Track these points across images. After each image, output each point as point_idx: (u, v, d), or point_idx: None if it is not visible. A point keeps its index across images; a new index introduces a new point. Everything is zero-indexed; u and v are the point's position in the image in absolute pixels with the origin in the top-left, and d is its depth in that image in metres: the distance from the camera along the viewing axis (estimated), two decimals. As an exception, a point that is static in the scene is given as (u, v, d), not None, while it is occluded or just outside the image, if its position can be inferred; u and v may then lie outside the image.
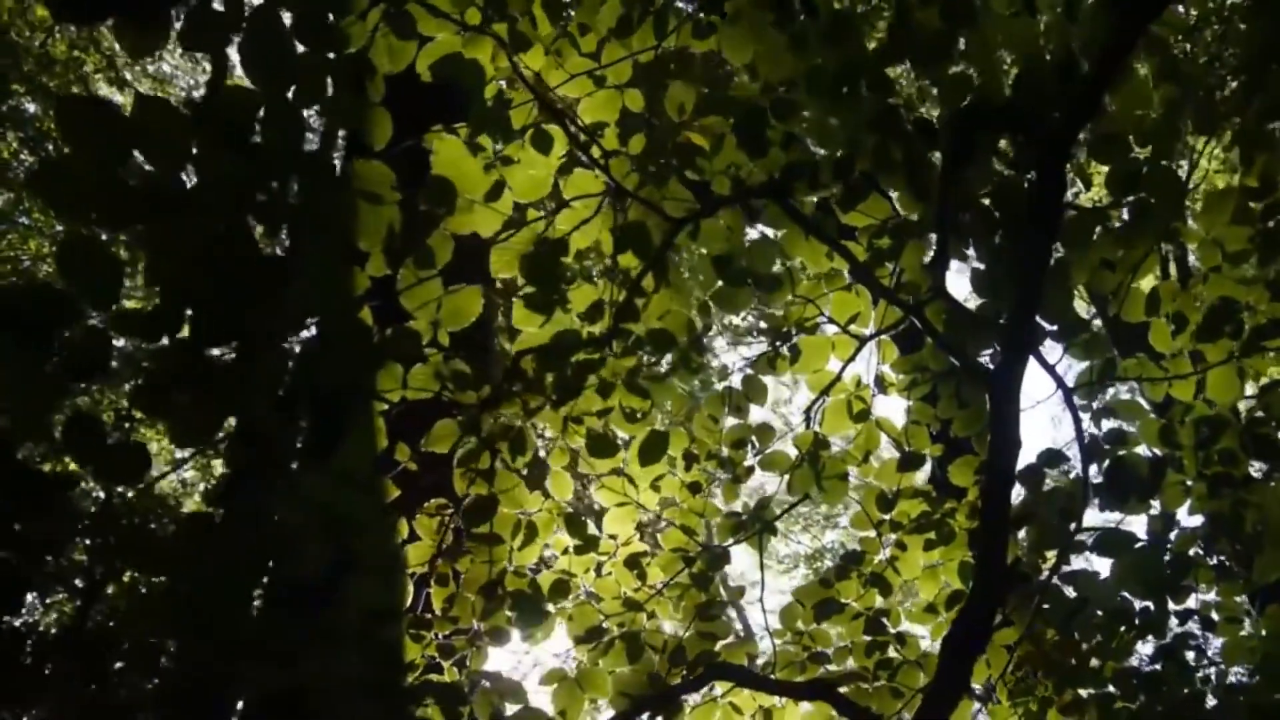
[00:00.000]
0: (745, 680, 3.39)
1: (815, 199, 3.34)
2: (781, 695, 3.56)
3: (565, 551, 3.57)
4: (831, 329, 3.63)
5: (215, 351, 2.54)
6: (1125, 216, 3.42)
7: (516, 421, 3.30)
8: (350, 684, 3.26)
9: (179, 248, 2.35)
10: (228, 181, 2.35)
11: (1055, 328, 3.46)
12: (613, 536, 3.69)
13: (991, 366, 3.10)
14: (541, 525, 3.46)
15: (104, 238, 2.50)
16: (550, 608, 3.45)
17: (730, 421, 3.76)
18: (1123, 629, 3.83)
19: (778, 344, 3.49)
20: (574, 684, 3.48)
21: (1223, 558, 3.99)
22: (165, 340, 2.42)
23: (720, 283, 3.44)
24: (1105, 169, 3.53)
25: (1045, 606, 4.02)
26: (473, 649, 3.37)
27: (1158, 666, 4.25)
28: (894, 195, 3.39)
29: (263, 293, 2.48)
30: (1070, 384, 3.61)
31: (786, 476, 3.69)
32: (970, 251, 3.40)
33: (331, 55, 2.35)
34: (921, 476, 3.90)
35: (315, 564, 3.22)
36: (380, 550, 3.13)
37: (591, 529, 3.56)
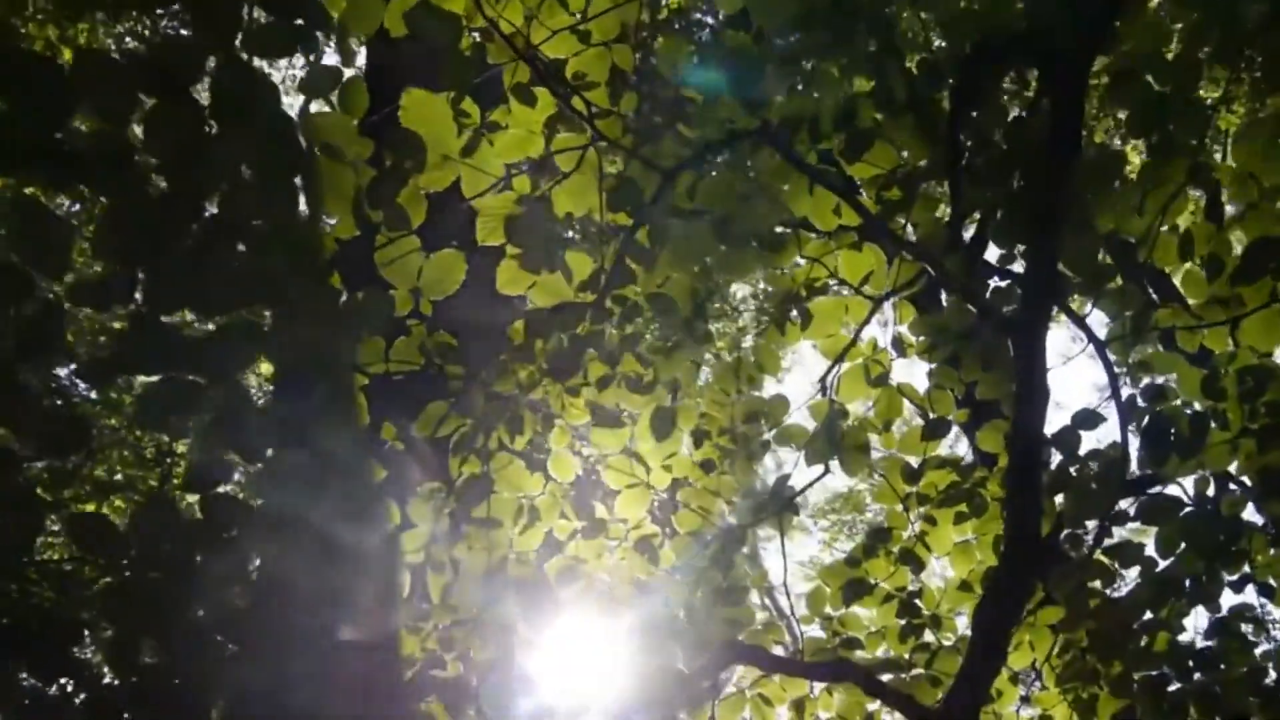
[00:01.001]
0: (760, 661, 3.20)
1: (817, 151, 3.15)
2: (803, 677, 3.35)
3: (572, 536, 3.39)
4: (843, 292, 3.43)
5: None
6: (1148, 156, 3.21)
7: (513, 396, 3.13)
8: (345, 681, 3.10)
9: (125, 208, 2.21)
10: (172, 136, 2.21)
11: (1081, 280, 3.25)
12: (623, 520, 3.50)
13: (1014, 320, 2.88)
14: (544, 508, 3.29)
15: (50, 202, 2.38)
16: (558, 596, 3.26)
17: (743, 395, 3.56)
18: (1171, 599, 3.58)
19: (787, 309, 3.29)
20: (586, 675, 3.29)
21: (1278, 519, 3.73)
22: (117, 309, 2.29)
23: (722, 247, 3.25)
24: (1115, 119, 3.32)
25: (1092, 584, 3.79)
26: (476, 640, 3.20)
27: (1212, 642, 3.98)
28: (901, 146, 3.20)
29: (215, 255, 2.34)
30: (1102, 338, 3.39)
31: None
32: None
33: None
34: (950, 445, 3.68)
35: (301, 555, 3.07)
36: (370, 535, 2.97)
37: (601, 511, 3.38)
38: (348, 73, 2.56)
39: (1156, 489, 3.73)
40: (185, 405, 2.59)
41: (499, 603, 3.19)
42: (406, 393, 3.13)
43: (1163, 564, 3.72)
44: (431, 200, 2.78)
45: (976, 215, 3.26)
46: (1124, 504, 3.75)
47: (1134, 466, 3.65)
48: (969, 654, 2.76)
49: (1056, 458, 3.68)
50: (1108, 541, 3.86)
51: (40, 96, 2.14)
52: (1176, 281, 3.55)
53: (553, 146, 2.97)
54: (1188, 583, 3.80)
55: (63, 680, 2.42)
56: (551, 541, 3.52)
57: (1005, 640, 2.78)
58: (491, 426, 3.10)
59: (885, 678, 3.73)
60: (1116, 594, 3.83)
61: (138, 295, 2.29)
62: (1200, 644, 3.99)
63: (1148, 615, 3.86)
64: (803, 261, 3.36)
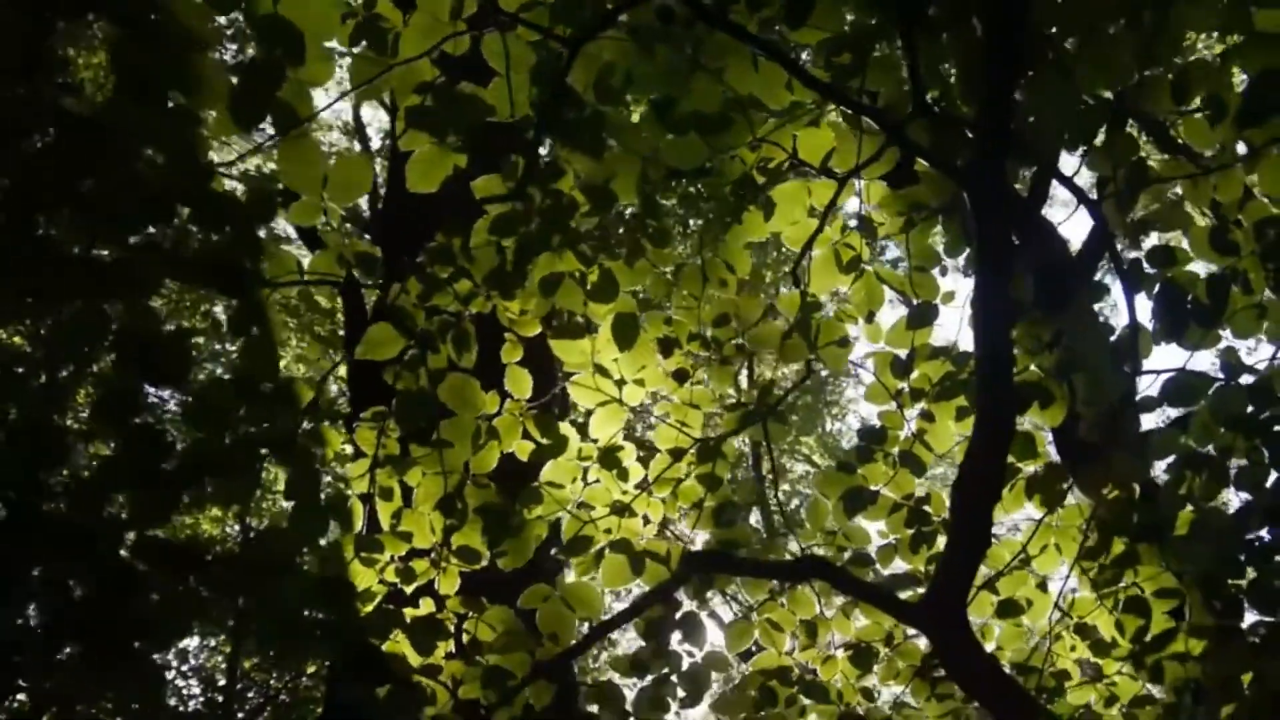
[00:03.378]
0: (721, 566, 2.98)
1: (758, 19, 2.91)
2: (770, 578, 3.13)
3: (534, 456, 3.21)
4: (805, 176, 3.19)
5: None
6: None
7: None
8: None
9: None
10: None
11: (1063, 131, 2.95)
12: (593, 440, 3.31)
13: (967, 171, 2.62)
14: (504, 428, 3.12)
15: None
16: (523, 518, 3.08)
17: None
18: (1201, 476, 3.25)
19: (743, 195, 3.07)
20: (559, 603, 3.12)
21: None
22: None
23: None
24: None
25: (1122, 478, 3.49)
26: (439, 571, 3.05)
27: (1264, 534, 3.64)
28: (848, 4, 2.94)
29: (79, 154, 2.22)
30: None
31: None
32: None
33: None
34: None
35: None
36: (300, 468, 2.84)
37: (566, 430, 3.20)
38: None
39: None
40: (95, 333, 2.49)
41: (461, 531, 3.03)
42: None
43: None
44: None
45: (940, 73, 2.99)
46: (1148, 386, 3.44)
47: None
48: (949, 544, 2.53)
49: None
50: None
51: None
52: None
53: (465, 35, 2.78)
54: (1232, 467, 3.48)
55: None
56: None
57: (985, 526, 2.53)
58: (433, 345, 2.93)
59: (904, 595, 3.50)
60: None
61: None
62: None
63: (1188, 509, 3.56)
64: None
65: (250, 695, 12.54)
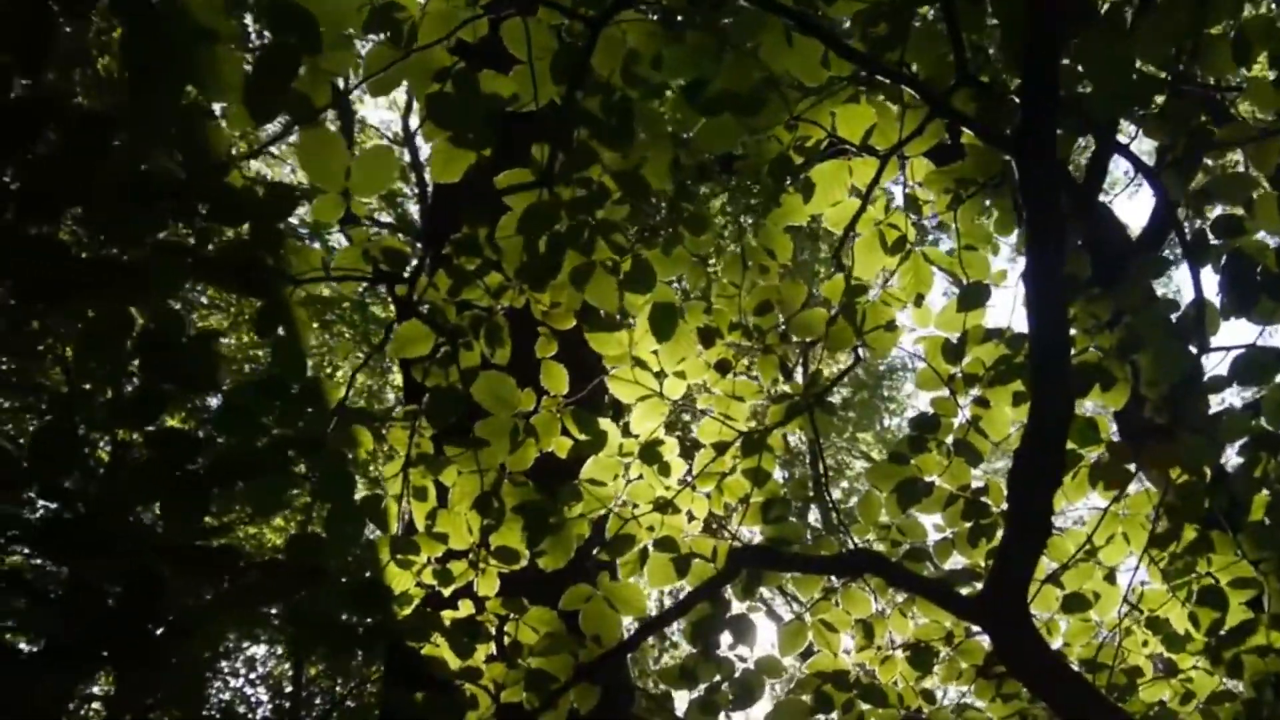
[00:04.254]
0: (768, 561, 2.86)
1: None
2: (821, 573, 3.00)
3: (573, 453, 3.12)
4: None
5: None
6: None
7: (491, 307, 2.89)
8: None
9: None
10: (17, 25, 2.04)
11: (1117, 96, 2.79)
12: (634, 435, 3.21)
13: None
14: (541, 426, 3.03)
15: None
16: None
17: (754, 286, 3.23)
18: (1276, 459, 3.07)
19: (781, 177, 2.95)
20: (602, 602, 3.02)
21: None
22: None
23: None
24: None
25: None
26: (478, 573, 2.97)
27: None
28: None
29: (85, 149, 2.17)
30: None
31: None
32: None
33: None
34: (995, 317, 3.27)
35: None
36: (331, 469, 2.78)
37: (606, 425, 3.10)
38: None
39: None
40: (119, 332, 2.46)
41: (498, 531, 2.94)
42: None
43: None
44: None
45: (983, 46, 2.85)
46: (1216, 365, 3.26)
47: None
48: (1005, 534, 2.39)
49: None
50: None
51: None
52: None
53: (483, 19, 2.70)
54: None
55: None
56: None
57: (1044, 514, 2.38)
58: (466, 340, 2.86)
59: (964, 591, 3.35)
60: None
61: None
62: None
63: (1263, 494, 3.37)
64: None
65: (317, 702, 12.64)
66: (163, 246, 2.40)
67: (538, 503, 2.96)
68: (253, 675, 12.70)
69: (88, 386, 2.52)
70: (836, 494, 13.12)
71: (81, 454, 2.28)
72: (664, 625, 2.98)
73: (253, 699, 12.65)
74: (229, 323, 10.83)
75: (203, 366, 2.49)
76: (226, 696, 12.14)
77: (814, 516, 12.12)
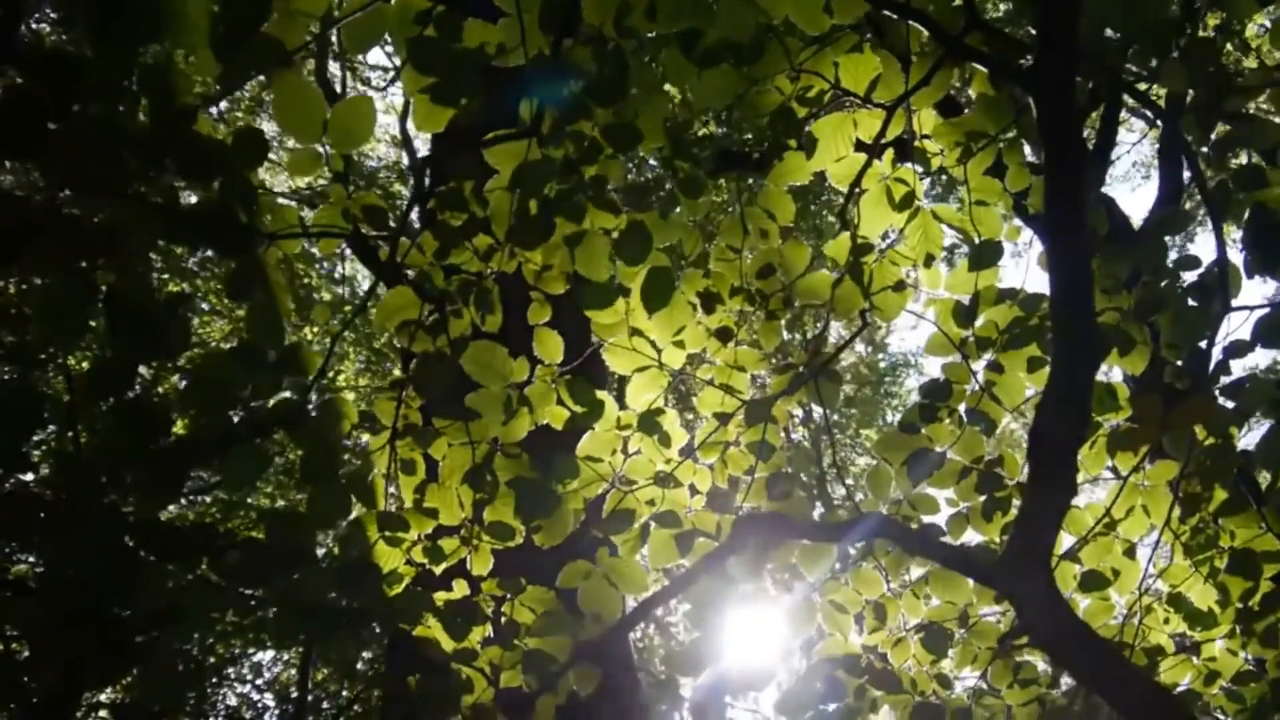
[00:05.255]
0: (778, 530, 2.72)
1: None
2: (830, 541, 2.86)
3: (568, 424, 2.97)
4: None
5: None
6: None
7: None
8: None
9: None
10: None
11: (1138, 43, 2.66)
12: (630, 409, 3.07)
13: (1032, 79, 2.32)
14: (535, 396, 2.89)
15: None
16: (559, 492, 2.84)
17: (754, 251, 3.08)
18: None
19: (782, 131, 2.81)
20: (601, 580, 2.88)
21: None
22: None
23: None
24: None
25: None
26: (471, 550, 2.82)
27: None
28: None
29: (46, 97, 2.03)
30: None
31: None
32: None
33: None
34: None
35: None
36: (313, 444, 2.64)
37: (603, 396, 2.96)
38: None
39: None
40: (83, 300, 2.32)
41: (492, 506, 2.80)
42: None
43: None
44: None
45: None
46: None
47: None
48: (1026, 493, 2.24)
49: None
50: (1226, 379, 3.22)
51: None
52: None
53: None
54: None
55: None
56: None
57: (1070, 468, 2.23)
58: (455, 306, 2.72)
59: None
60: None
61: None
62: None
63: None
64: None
65: (324, 706, 12.48)
66: (135, 200, 2.26)
67: (534, 480, 2.81)
68: (259, 681, 12.56)
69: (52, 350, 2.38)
70: (840, 491, 12.95)
71: (43, 420, 2.13)
72: (666, 600, 2.83)
73: (259, 704, 12.51)
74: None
75: (175, 333, 2.35)
76: (233, 701, 12.00)
77: (817, 512, 11.97)
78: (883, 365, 15.25)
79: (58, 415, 2.51)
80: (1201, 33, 2.91)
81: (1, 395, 2.02)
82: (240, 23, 2.19)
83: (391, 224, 2.73)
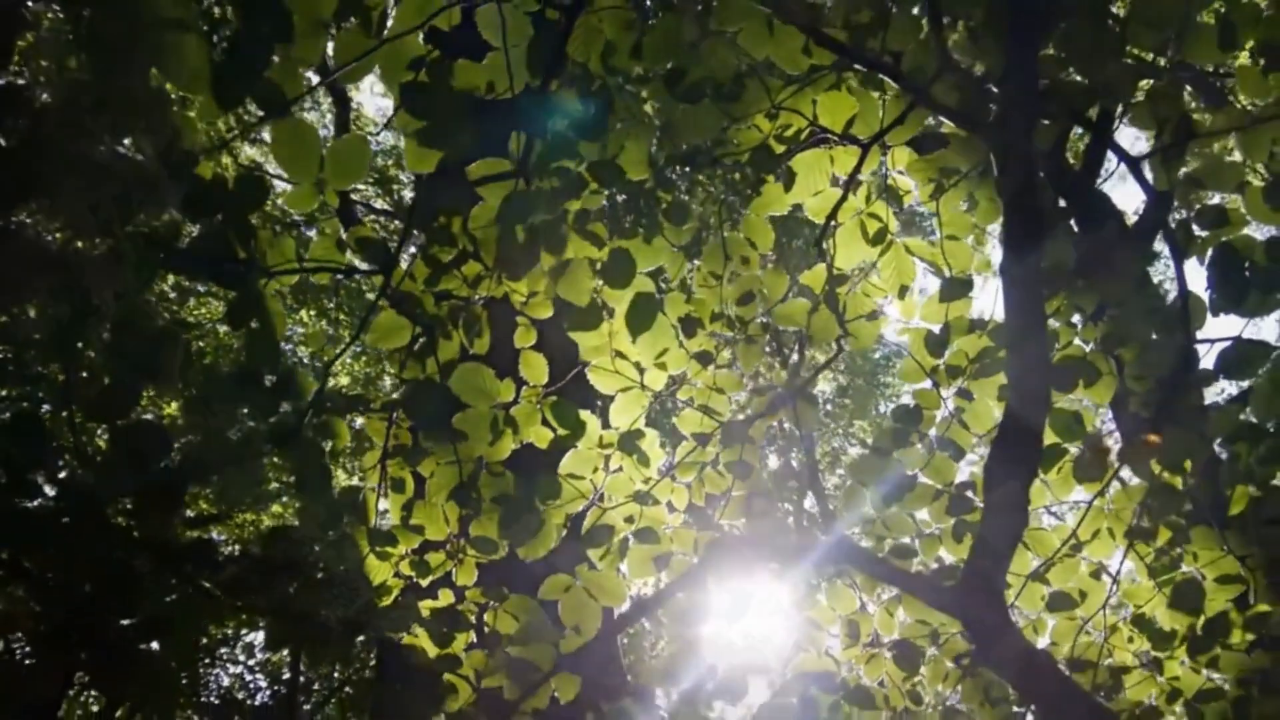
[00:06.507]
0: (751, 554, 2.84)
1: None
2: (792, 563, 2.97)
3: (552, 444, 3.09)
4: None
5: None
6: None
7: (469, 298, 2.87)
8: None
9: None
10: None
11: (1100, 84, 2.77)
12: (613, 427, 3.19)
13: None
14: (521, 417, 3.01)
15: None
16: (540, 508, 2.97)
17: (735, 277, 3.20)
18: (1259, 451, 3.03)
19: (761, 166, 2.93)
20: (581, 592, 3.01)
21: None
22: None
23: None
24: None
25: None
26: (456, 563, 2.95)
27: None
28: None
29: (52, 143, 2.15)
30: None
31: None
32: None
33: None
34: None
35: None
36: (306, 462, 2.76)
37: (585, 416, 3.08)
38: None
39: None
40: (82, 323, 2.44)
41: (477, 522, 2.93)
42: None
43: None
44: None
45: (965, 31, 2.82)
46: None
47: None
48: (983, 517, 2.37)
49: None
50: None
51: None
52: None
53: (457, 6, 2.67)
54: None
55: None
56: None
57: (1020, 500, 2.36)
58: (443, 331, 2.84)
59: (949, 584, 3.32)
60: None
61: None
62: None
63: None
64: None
65: (315, 688, 12.63)
66: (136, 238, 2.38)
67: (517, 497, 2.94)
68: (251, 662, 12.74)
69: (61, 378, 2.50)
70: (833, 480, 13.12)
71: (51, 446, 2.26)
72: (642, 616, 2.96)
73: (251, 685, 12.68)
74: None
75: (172, 360, 2.47)
76: (226, 682, 12.17)
77: (809, 501, 12.11)
78: (876, 356, 15.35)
79: (59, 431, 2.63)
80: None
81: (12, 427, 2.15)
82: (242, 72, 2.31)
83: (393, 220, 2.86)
